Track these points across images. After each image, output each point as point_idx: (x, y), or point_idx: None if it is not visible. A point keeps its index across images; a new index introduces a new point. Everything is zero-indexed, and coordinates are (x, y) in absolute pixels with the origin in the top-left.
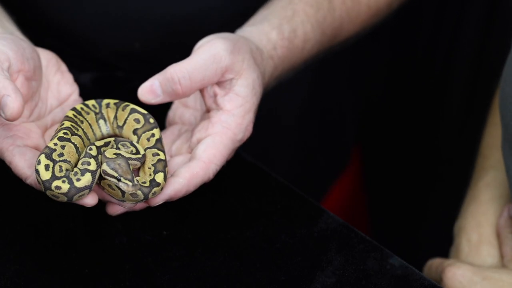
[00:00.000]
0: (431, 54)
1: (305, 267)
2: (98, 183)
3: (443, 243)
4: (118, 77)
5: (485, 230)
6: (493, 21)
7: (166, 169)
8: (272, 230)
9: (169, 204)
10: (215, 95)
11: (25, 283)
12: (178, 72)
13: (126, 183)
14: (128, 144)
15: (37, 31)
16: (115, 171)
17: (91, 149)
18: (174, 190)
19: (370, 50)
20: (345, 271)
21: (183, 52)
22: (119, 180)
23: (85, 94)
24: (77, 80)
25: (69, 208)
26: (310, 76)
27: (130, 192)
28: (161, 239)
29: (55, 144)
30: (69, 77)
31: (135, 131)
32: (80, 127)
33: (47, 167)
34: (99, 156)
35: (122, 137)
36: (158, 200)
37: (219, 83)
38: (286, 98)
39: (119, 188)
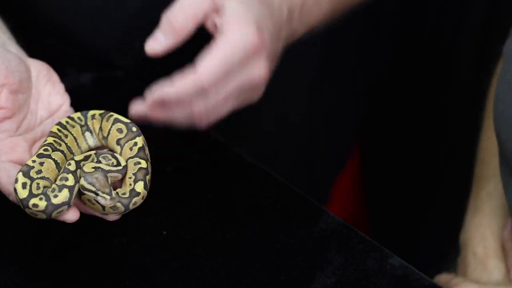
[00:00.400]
0: (438, 28)
1: (305, 267)
2: (79, 198)
3: (443, 243)
4: (118, 77)
5: (490, 243)
6: (496, 14)
7: (147, 177)
8: (272, 230)
9: (169, 205)
10: (215, 25)
11: (25, 283)
12: (170, 12)
13: (104, 197)
14: (110, 156)
15: (37, 31)
16: (93, 185)
17: (69, 164)
18: (162, 93)
19: (377, 28)
20: (345, 271)
21: (184, 49)
22: (97, 194)
23: (85, 94)
24: (77, 80)
25: None
26: (313, 76)
27: (109, 205)
28: (161, 239)
29: (34, 162)
30: (60, 87)
31: (118, 141)
32: (64, 141)
33: (24, 185)
34: (78, 170)
35: (109, 148)
36: (143, 107)
37: (216, 11)
38: (288, 94)
39: (98, 202)
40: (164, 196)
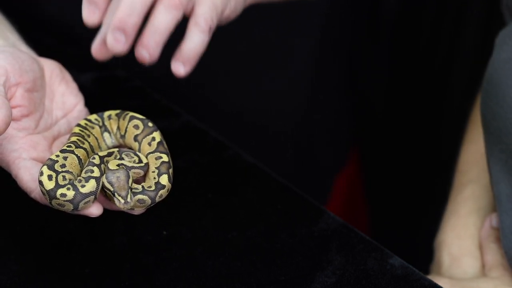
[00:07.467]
0: (431, 51)
1: (305, 267)
2: (105, 195)
3: None
4: (118, 77)
5: (465, 242)
6: (494, 20)
7: (170, 170)
8: (272, 230)
9: (169, 205)
10: None
11: (25, 283)
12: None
13: (119, 200)
14: (132, 154)
15: (37, 31)
16: (111, 185)
17: (94, 158)
18: None
19: (370, 48)
20: (345, 271)
21: None
22: (113, 195)
23: (85, 94)
24: (77, 80)
25: None
26: (312, 75)
27: (122, 209)
28: (161, 239)
29: (57, 156)
30: (73, 86)
31: (135, 138)
32: (87, 140)
33: (50, 177)
34: (102, 165)
35: (127, 147)
36: None
37: None
38: (288, 94)
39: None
40: None
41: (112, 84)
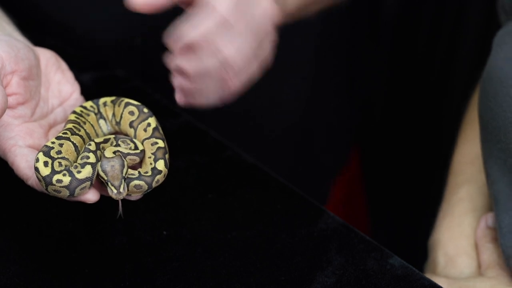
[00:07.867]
0: (431, 52)
1: (305, 267)
2: (101, 182)
3: None
4: (118, 77)
5: (460, 242)
6: (493, 20)
7: (167, 155)
8: (272, 230)
9: (169, 205)
10: None
11: (25, 283)
12: None
13: (111, 189)
14: (128, 141)
15: (37, 31)
16: (105, 174)
17: (90, 144)
18: (186, 35)
19: (370, 49)
20: (345, 271)
21: None
22: (106, 184)
23: (85, 94)
24: (77, 79)
25: (69, 208)
26: (311, 76)
27: (114, 198)
28: (161, 239)
29: (53, 143)
30: (69, 75)
31: (131, 124)
32: (83, 127)
33: (46, 163)
34: (98, 151)
35: (122, 134)
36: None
37: None
38: (287, 94)
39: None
40: (164, 195)
41: (112, 84)
